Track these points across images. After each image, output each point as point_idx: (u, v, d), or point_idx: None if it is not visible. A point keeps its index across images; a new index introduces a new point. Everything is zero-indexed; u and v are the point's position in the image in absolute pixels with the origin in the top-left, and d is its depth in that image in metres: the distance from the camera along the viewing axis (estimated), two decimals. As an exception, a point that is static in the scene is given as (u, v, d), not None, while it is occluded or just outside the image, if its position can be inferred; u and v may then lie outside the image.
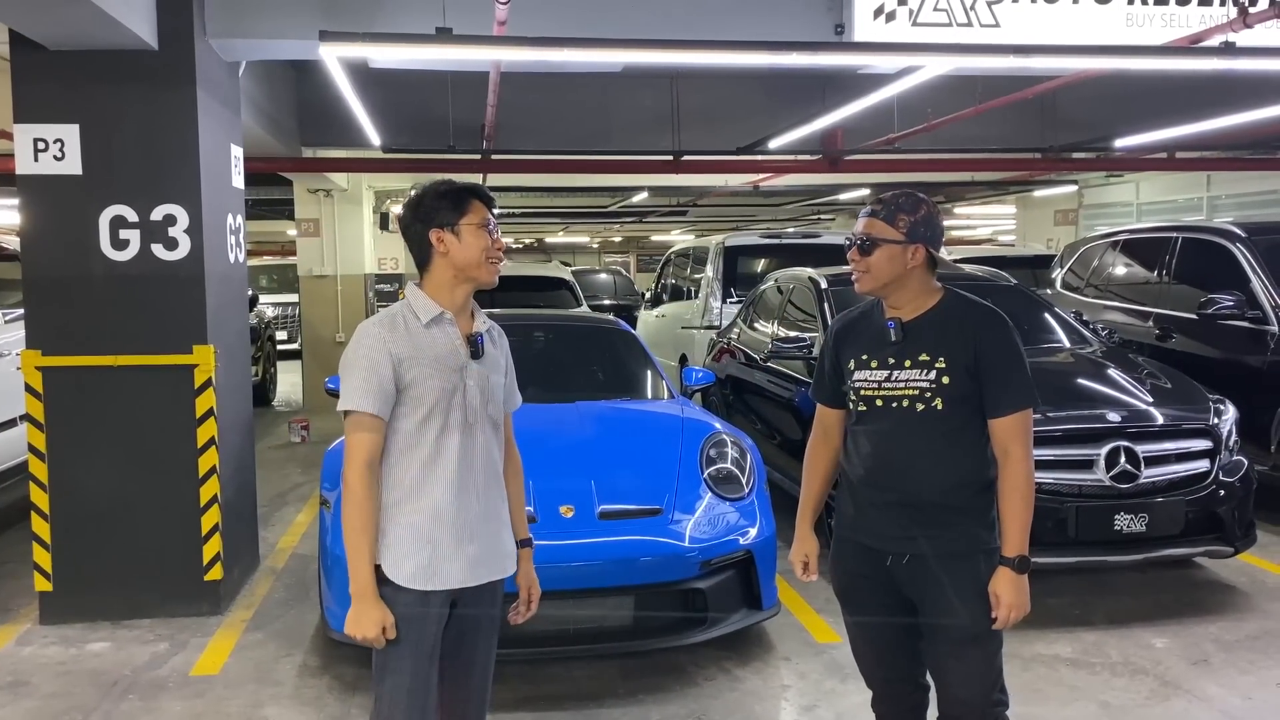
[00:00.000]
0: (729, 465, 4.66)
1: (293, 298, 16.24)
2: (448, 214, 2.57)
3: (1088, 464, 4.79)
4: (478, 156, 9.06)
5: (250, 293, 13.57)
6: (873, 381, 2.69)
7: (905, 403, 2.64)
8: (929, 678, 2.81)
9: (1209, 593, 5.24)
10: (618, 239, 35.73)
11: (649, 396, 5.72)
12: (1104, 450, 4.77)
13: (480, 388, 2.61)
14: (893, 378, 2.67)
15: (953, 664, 2.68)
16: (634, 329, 13.84)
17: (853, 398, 2.75)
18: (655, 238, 33.73)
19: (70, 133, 4.79)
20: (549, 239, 34.29)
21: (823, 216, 24.93)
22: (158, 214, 4.86)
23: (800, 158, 10.35)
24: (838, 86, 8.83)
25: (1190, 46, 4.99)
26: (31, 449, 4.89)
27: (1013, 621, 2.61)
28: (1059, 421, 4.93)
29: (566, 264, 28.56)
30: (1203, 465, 4.95)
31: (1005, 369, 2.62)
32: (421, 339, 2.55)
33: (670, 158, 9.47)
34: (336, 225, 13.18)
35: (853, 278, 2.73)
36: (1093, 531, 4.74)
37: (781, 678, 4.31)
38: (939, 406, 2.61)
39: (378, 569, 2.54)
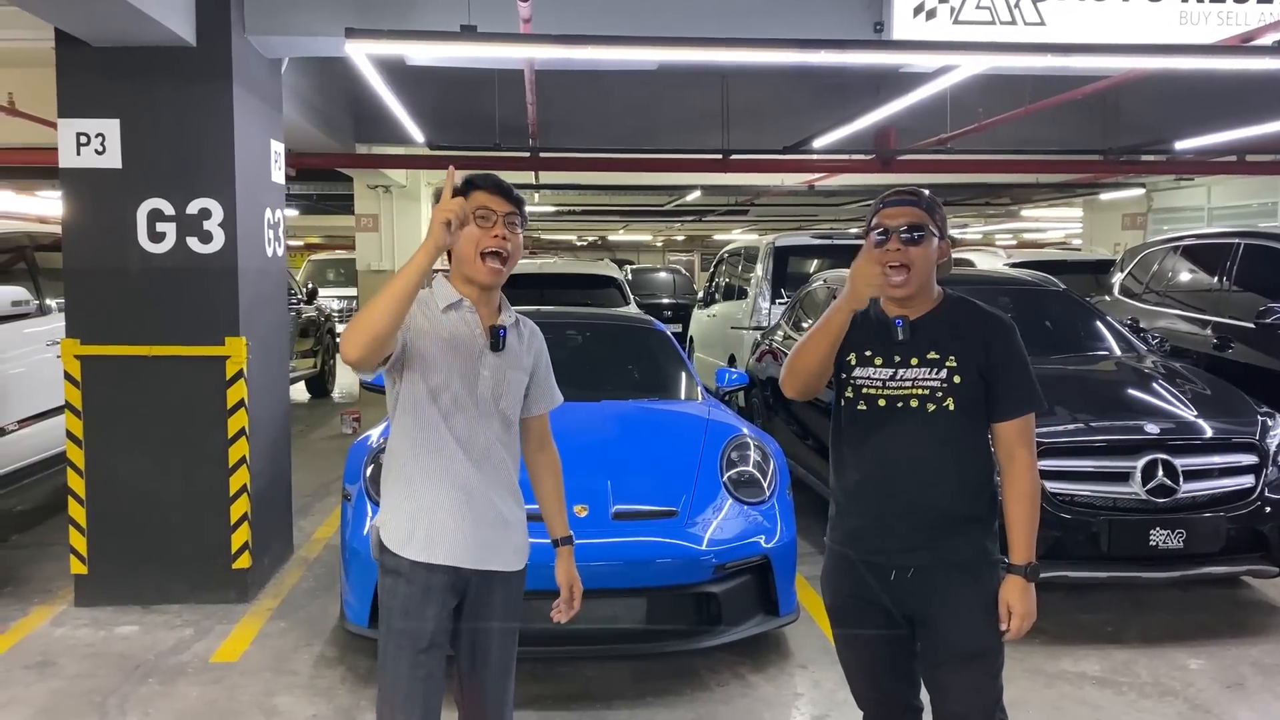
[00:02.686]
0: (750, 469, 4.60)
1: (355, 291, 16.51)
2: None
3: (1123, 476, 4.63)
4: (526, 154, 9.09)
5: (310, 286, 13.89)
6: (876, 380, 2.56)
7: (914, 403, 2.52)
8: (922, 699, 2.72)
9: (1252, 614, 5.04)
10: (680, 237, 35.69)
11: (678, 397, 5.67)
12: (1141, 463, 4.61)
13: (494, 380, 2.57)
14: (898, 376, 2.54)
15: (953, 682, 2.57)
16: (687, 328, 13.95)
17: (849, 394, 2.61)
18: (718, 236, 33.62)
19: (111, 127, 4.90)
20: (611, 236, 34.38)
21: (886, 217, 24.56)
22: (193, 208, 4.95)
23: (853, 157, 10.22)
24: (893, 85, 8.68)
25: (1240, 45, 4.81)
26: (69, 435, 5.02)
27: (1023, 632, 2.51)
28: (1100, 431, 4.79)
29: (628, 262, 28.64)
30: (1247, 481, 4.75)
31: (1016, 372, 2.53)
32: (439, 320, 2.55)
33: (719, 156, 9.41)
34: (395, 221, 13.38)
35: (891, 277, 2.48)
36: (1126, 546, 4.58)
37: (795, 685, 4.24)
38: (950, 407, 2.50)
39: (383, 547, 2.56)
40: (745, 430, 4.96)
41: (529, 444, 2.81)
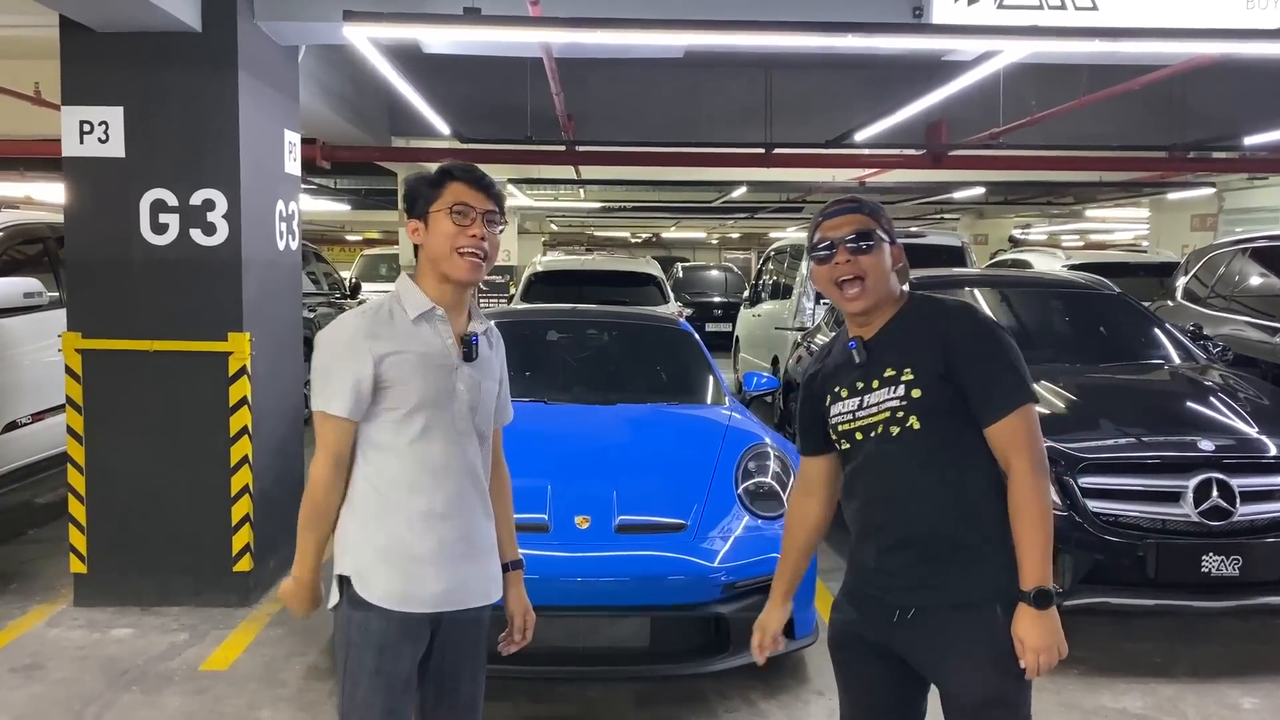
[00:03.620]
0: (769, 480, 4.32)
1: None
2: (424, 201, 2.31)
3: (1174, 496, 4.26)
4: (561, 147, 8.87)
5: (354, 280, 13.83)
6: (847, 414, 2.33)
7: (880, 429, 2.27)
8: None
9: (1316, 648, 4.64)
10: (735, 235, 35.30)
11: (701, 402, 5.40)
12: (1193, 482, 4.23)
13: (470, 393, 2.35)
14: (864, 404, 2.29)
15: None
16: (734, 327, 13.64)
17: (834, 437, 2.39)
18: (774, 234, 33.19)
19: (114, 115, 4.77)
20: (664, 234, 34.12)
21: (945, 215, 24.05)
22: (197, 199, 4.80)
23: (903, 152, 9.84)
24: (944, 75, 8.31)
25: (1312, 29, 4.40)
26: (70, 431, 4.91)
27: (1044, 668, 2.16)
28: (1149, 447, 4.43)
29: (682, 259, 28.37)
30: (1314, 504, 4.36)
31: (986, 364, 2.20)
32: (408, 334, 2.31)
33: (761, 150, 9.10)
34: (437, 215, 13.22)
35: (847, 292, 2.28)
36: (1175, 572, 4.21)
37: (809, 713, 3.96)
38: (914, 425, 2.23)
39: (348, 586, 2.33)
40: (767, 439, 4.66)
41: None
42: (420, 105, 7.23)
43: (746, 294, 13.67)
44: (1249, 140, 8.65)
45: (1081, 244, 28.07)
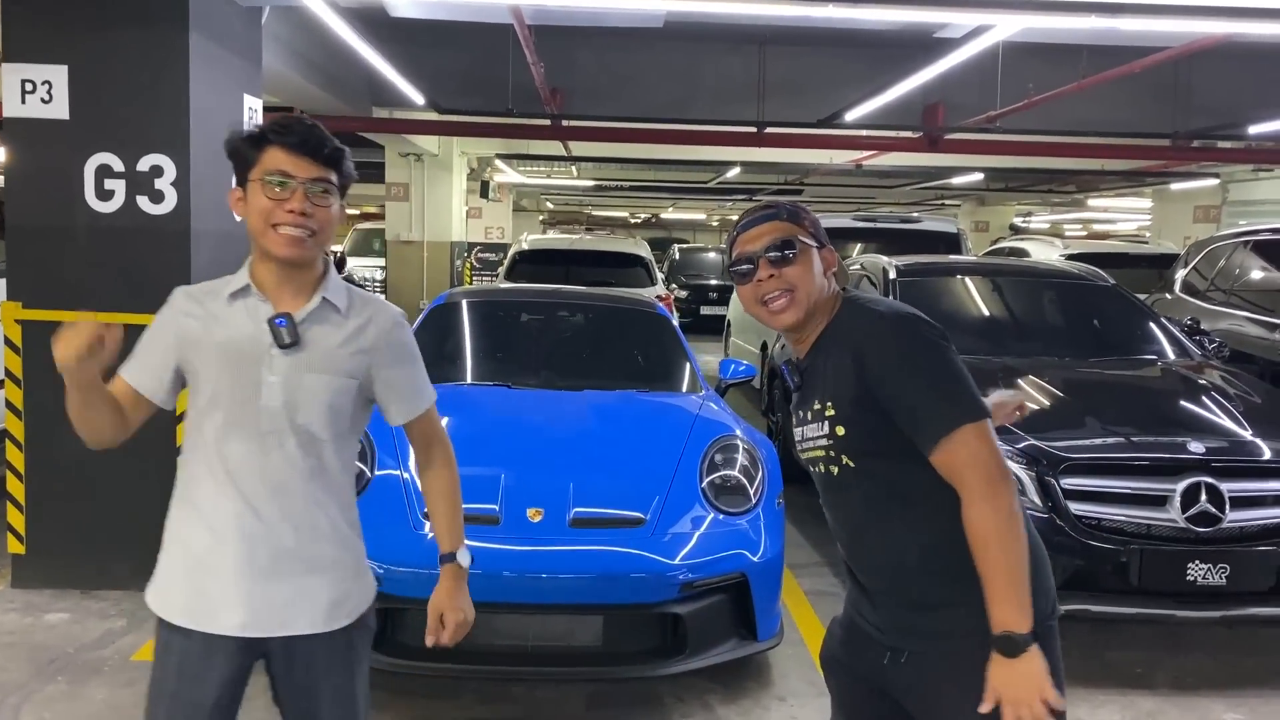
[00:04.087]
0: (735, 473, 4.10)
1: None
2: (243, 166, 2.03)
3: (1160, 500, 4.05)
4: (547, 122, 8.61)
5: (339, 254, 13.61)
6: (799, 442, 2.10)
7: (822, 467, 2.04)
8: None
9: (1305, 661, 4.45)
10: (734, 216, 35.00)
11: (673, 389, 5.18)
12: (1180, 486, 4.02)
13: (286, 387, 2.03)
14: (805, 436, 2.07)
15: None
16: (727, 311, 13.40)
17: None
18: (774, 217, 32.89)
19: (59, 74, 4.54)
20: (663, 215, 33.80)
21: (946, 202, 23.77)
22: (144, 164, 4.58)
23: (900, 134, 9.58)
24: (942, 53, 8.03)
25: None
26: (9, 405, 4.70)
27: None
28: (1134, 449, 4.21)
29: (681, 241, 28.09)
30: (1307, 511, 4.14)
31: (906, 389, 1.89)
32: (219, 314, 2.07)
33: (753, 130, 8.85)
34: (425, 190, 12.99)
35: (773, 306, 2.01)
36: (1159, 580, 4.00)
37: (769, 720, 3.77)
38: (850, 464, 1.98)
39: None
40: (737, 430, 4.43)
41: (415, 451, 2.31)
42: (388, 71, 6.98)
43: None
44: (1254, 129, 8.39)
45: (1084, 233, 27.82)
